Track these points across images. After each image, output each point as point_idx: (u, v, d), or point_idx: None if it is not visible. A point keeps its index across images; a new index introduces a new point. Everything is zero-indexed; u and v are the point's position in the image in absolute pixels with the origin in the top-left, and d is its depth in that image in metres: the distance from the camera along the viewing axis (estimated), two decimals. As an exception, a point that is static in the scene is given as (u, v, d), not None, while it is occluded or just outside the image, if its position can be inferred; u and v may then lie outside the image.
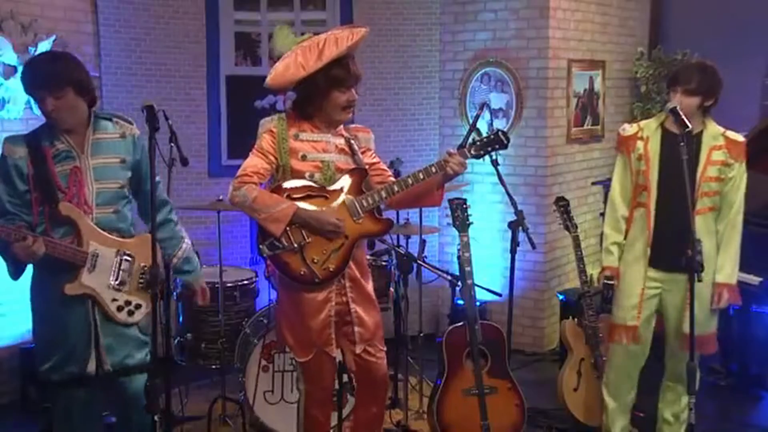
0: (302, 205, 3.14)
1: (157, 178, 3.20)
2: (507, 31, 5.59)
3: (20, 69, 4.39)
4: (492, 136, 3.32)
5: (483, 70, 5.68)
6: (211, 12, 5.44)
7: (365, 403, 3.44)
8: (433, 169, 3.22)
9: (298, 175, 3.20)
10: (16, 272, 3.02)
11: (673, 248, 3.40)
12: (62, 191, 2.97)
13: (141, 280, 3.12)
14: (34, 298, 3.09)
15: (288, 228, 3.11)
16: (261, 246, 3.14)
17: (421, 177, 3.22)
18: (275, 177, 3.24)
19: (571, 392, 4.21)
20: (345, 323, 3.30)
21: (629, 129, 3.73)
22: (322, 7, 5.76)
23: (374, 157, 3.42)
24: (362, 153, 3.34)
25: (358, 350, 3.30)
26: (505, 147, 3.34)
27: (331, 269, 3.18)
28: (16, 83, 4.42)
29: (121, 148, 3.13)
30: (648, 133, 3.66)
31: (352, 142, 3.32)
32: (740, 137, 3.62)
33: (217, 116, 5.53)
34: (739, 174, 3.58)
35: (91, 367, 3.02)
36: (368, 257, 4.43)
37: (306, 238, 3.14)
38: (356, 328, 3.28)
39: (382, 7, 5.77)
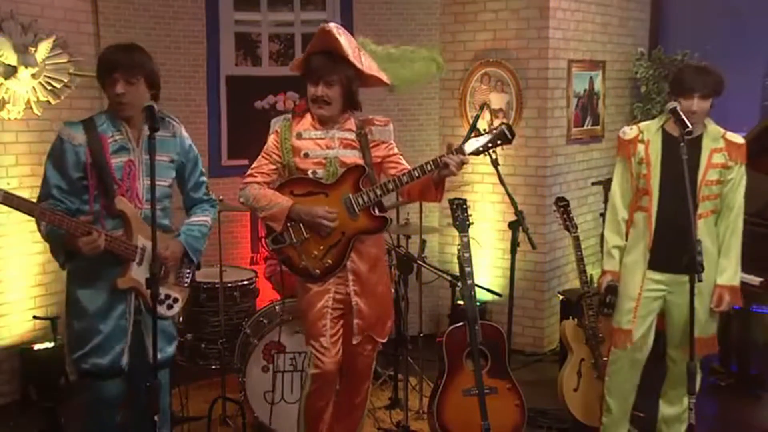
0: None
1: (203, 178, 3.30)
2: (507, 31, 5.59)
3: (20, 69, 4.41)
4: (496, 131, 3.28)
5: (483, 70, 5.69)
6: (211, 12, 5.44)
7: (346, 392, 3.54)
8: (428, 167, 3.21)
9: (302, 172, 3.28)
10: (67, 261, 2.99)
11: (677, 250, 3.37)
12: (117, 183, 2.96)
13: (179, 275, 3.17)
14: (74, 288, 3.03)
15: (289, 224, 3.24)
16: (266, 240, 3.30)
17: (416, 175, 3.23)
18: (283, 175, 3.33)
19: (571, 392, 4.21)
20: (347, 314, 3.36)
21: (629, 132, 3.68)
22: (322, 7, 5.75)
23: (390, 149, 3.40)
24: (375, 146, 3.34)
25: (354, 341, 3.36)
26: (509, 142, 3.30)
27: (328, 263, 3.29)
28: (16, 83, 4.42)
29: (171, 147, 3.13)
30: (648, 136, 3.62)
31: (366, 134, 3.32)
32: (740, 139, 3.60)
33: (217, 116, 5.53)
34: (739, 176, 3.56)
35: (124, 360, 3.01)
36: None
37: (305, 234, 3.26)
38: (355, 320, 3.35)
39: (382, 7, 5.77)
